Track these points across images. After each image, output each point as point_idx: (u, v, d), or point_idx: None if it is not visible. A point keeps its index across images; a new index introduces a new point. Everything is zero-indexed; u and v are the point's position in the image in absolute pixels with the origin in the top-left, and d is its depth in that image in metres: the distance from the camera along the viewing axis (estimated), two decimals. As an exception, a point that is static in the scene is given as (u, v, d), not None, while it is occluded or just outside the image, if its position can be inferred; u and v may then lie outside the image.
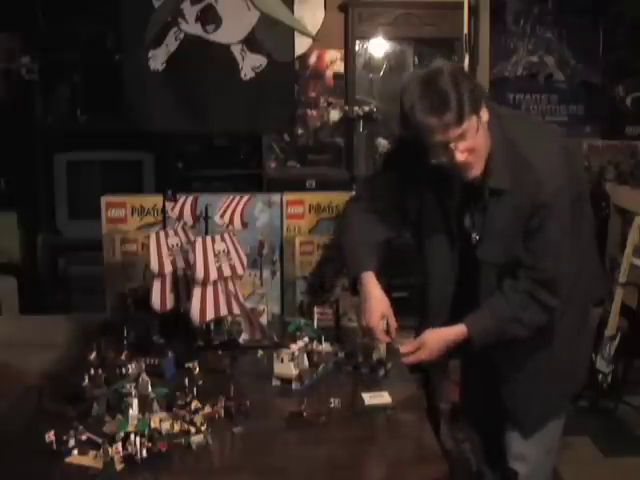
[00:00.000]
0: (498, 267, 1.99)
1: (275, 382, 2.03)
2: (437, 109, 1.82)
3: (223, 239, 2.24)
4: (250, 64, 3.97)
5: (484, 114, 1.89)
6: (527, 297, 1.96)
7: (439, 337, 2.05)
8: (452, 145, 1.86)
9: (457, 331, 2.03)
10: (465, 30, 4.41)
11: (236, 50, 3.97)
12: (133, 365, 1.97)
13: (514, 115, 2.17)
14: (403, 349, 2.06)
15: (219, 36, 3.95)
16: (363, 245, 2.15)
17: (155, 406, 1.81)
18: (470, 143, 1.87)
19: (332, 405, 1.87)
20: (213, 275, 2.18)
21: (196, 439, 1.69)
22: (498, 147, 1.93)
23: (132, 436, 1.62)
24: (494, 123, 1.93)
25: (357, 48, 4.52)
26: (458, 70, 1.91)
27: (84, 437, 1.67)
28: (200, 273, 2.16)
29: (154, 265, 2.22)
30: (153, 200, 2.61)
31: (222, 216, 2.36)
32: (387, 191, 2.16)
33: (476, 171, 1.92)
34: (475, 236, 2.02)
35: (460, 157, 1.87)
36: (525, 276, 1.96)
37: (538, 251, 1.94)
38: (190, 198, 2.34)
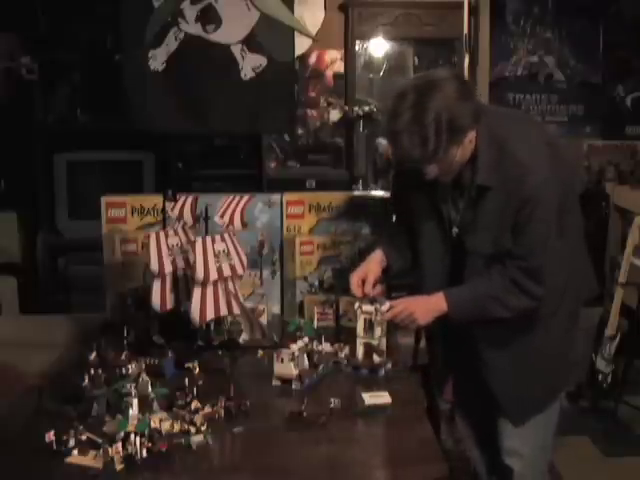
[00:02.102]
0: (485, 257, 2.03)
1: (275, 382, 2.03)
2: (410, 148, 1.88)
3: (223, 239, 2.25)
4: (250, 64, 3.97)
5: (468, 138, 1.93)
6: (511, 284, 2.00)
7: (417, 298, 2.12)
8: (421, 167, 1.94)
9: (435, 296, 2.07)
10: (465, 30, 4.41)
11: (236, 50, 3.97)
12: (133, 365, 1.97)
13: (501, 112, 2.24)
14: (384, 307, 2.12)
15: (219, 36, 3.95)
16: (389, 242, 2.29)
17: (155, 406, 1.81)
18: (440, 169, 1.95)
19: (332, 405, 1.87)
20: (213, 275, 2.18)
21: (196, 439, 1.69)
22: (485, 145, 1.97)
23: (132, 436, 1.62)
24: (482, 122, 1.96)
25: (357, 48, 4.51)
26: (452, 95, 1.87)
27: (84, 437, 1.67)
28: (200, 273, 2.16)
29: (154, 265, 2.22)
30: (153, 200, 2.61)
31: (222, 216, 2.35)
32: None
33: (446, 179, 2.01)
34: (455, 229, 2.07)
35: (428, 176, 1.96)
36: (511, 265, 2.00)
37: (526, 243, 1.98)
38: (190, 198, 2.34)
